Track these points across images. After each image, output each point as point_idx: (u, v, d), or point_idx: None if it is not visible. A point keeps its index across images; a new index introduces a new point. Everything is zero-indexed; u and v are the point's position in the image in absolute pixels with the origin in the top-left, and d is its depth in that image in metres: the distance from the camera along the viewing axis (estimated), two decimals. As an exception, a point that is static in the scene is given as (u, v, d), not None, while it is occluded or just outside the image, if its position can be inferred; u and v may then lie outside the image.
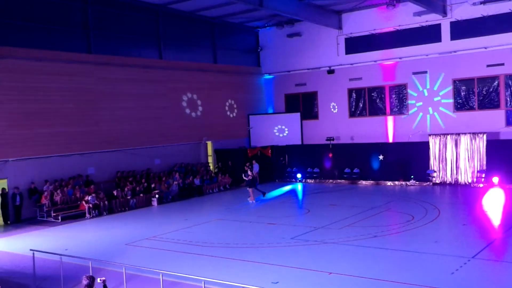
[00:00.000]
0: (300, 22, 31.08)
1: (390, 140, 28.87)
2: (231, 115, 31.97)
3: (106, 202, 22.00)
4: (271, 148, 30.47)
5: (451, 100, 27.25)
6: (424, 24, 27.45)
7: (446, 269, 11.82)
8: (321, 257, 13.50)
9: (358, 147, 28.29)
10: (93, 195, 21.75)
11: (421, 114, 28.14)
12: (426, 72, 27.93)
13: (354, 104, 30.68)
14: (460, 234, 15.65)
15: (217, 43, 31.31)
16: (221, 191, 27.22)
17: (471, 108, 26.84)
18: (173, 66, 28.10)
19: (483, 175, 24.23)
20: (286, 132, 32.53)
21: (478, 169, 24.58)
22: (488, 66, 25.98)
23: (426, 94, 27.98)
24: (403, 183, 26.07)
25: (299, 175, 29.28)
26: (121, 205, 22.58)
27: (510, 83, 25.67)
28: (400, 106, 29.09)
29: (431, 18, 27.11)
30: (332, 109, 31.41)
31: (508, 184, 23.33)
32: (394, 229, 16.52)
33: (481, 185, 24.02)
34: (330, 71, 31.10)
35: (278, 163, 30.40)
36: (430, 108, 27.86)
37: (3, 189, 20.79)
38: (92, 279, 8.22)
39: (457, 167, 25.22)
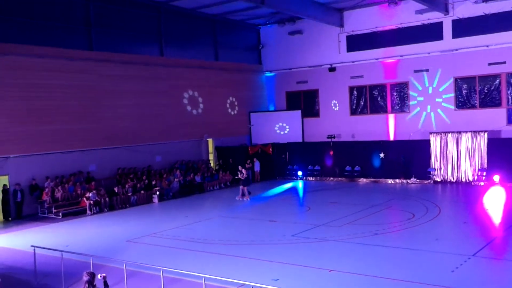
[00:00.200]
0: (302, 20, 31.02)
1: (391, 138, 28.86)
2: (232, 113, 31.96)
3: (107, 199, 22.04)
4: (272, 146, 30.43)
5: (452, 96, 27.21)
6: (425, 22, 27.40)
7: (446, 267, 11.83)
8: (321, 254, 13.50)
9: (359, 145, 28.23)
10: (94, 191, 21.80)
11: (424, 112, 28.08)
12: (427, 70, 27.91)
13: (355, 102, 30.65)
14: (461, 232, 15.68)
15: (218, 40, 31.29)
16: (222, 188, 27.24)
17: (473, 106, 26.81)
18: (174, 64, 28.10)
19: (484, 173, 24.21)
20: (287, 129, 32.50)
21: (479, 167, 24.56)
22: (489, 64, 25.95)
23: (427, 92, 27.96)
24: (404, 181, 26.06)
25: (300, 173, 29.26)
26: (122, 202, 22.62)
27: (512, 81, 25.72)
28: (401, 104, 29.07)
29: (433, 16, 27.07)
30: (333, 107, 31.39)
31: (509, 182, 23.30)
32: (394, 227, 16.53)
33: (482, 183, 24.00)
34: (332, 69, 31.06)
35: (279, 161, 30.40)
36: (431, 106, 27.84)
37: (4, 185, 20.83)
38: (92, 276, 8.26)
39: (458, 165, 25.22)
